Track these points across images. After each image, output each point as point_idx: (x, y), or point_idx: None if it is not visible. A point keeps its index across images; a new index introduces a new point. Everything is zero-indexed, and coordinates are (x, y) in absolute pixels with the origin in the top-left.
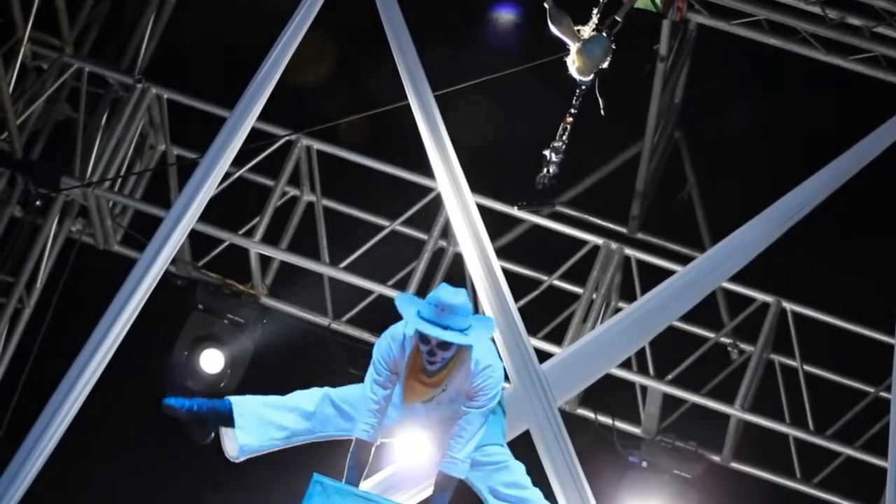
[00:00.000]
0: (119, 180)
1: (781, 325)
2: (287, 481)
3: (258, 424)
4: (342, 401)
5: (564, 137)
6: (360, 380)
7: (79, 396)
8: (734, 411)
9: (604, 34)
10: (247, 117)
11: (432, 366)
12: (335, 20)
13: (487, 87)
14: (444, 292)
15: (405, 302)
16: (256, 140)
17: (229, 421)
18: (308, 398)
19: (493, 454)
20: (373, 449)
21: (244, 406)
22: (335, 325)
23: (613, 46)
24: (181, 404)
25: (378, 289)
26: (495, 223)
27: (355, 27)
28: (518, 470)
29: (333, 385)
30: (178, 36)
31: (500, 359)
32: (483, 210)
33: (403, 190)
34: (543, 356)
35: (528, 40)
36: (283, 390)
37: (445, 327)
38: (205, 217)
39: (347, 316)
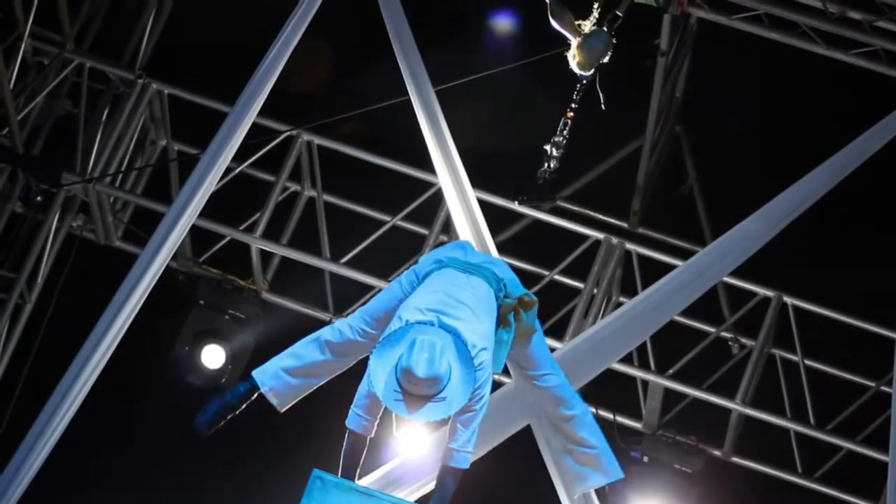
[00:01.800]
0: (120, 176)
1: (782, 319)
2: (286, 477)
3: (289, 390)
4: (373, 328)
5: (565, 132)
6: (359, 376)
7: (80, 392)
8: (735, 406)
9: (604, 29)
10: (248, 113)
11: None
12: (336, 15)
13: (488, 82)
14: (417, 364)
15: (377, 364)
16: (257, 135)
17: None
18: (334, 347)
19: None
20: (367, 441)
21: (272, 382)
22: (336, 321)
23: (614, 41)
24: (212, 416)
25: (379, 284)
26: (496, 218)
27: (356, 22)
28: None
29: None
30: (179, 31)
31: (490, 342)
32: (484, 205)
33: (404, 185)
34: None
35: (528, 35)
36: None
37: (421, 398)
38: (206, 213)
39: (348, 311)
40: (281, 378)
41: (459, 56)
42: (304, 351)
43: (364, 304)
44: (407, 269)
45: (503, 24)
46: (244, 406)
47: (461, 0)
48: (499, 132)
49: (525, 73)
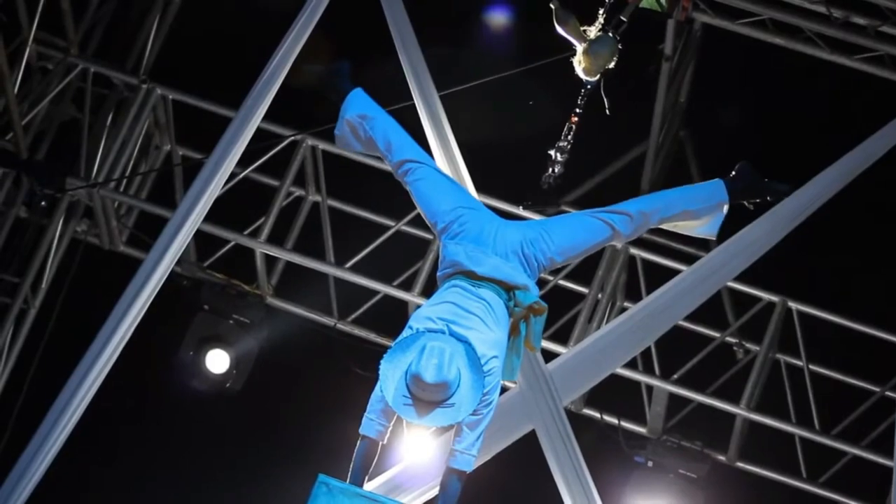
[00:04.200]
0: (124, 181)
1: (787, 324)
2: (291, 482)
3: (352, 140)
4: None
5: (570, 137)
6: (364, 381)
7: (84, 397)
8: (740, 411)
9: (610, 34)
10: (252, 117)
11: None
12: (339, 19)
13: (492, 87)
14: (426, 370)
15: (388, 370)
16: (262, 140)
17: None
18: (408, 150)
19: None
20: (379, 447)
21: (345, 124)
22: (340, 326)
23: (620, 46)
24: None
25: (383, 289)
26: None
27: (360, 26)
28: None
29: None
30: (183, 36)
31: (501, 350)
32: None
33: None
34: (549, 356)
35: (532, 39)
36: (288, 391)
37: (430, 404)
38: (210, 217)
39: (353, 316)
40: (348, 136)
41: (464, 55)
42: (392, 138)
43: (368, 308)
44: (410, 274)
45: (505, 19)
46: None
47: None
48: (503, 136)
49: (530, 76)
